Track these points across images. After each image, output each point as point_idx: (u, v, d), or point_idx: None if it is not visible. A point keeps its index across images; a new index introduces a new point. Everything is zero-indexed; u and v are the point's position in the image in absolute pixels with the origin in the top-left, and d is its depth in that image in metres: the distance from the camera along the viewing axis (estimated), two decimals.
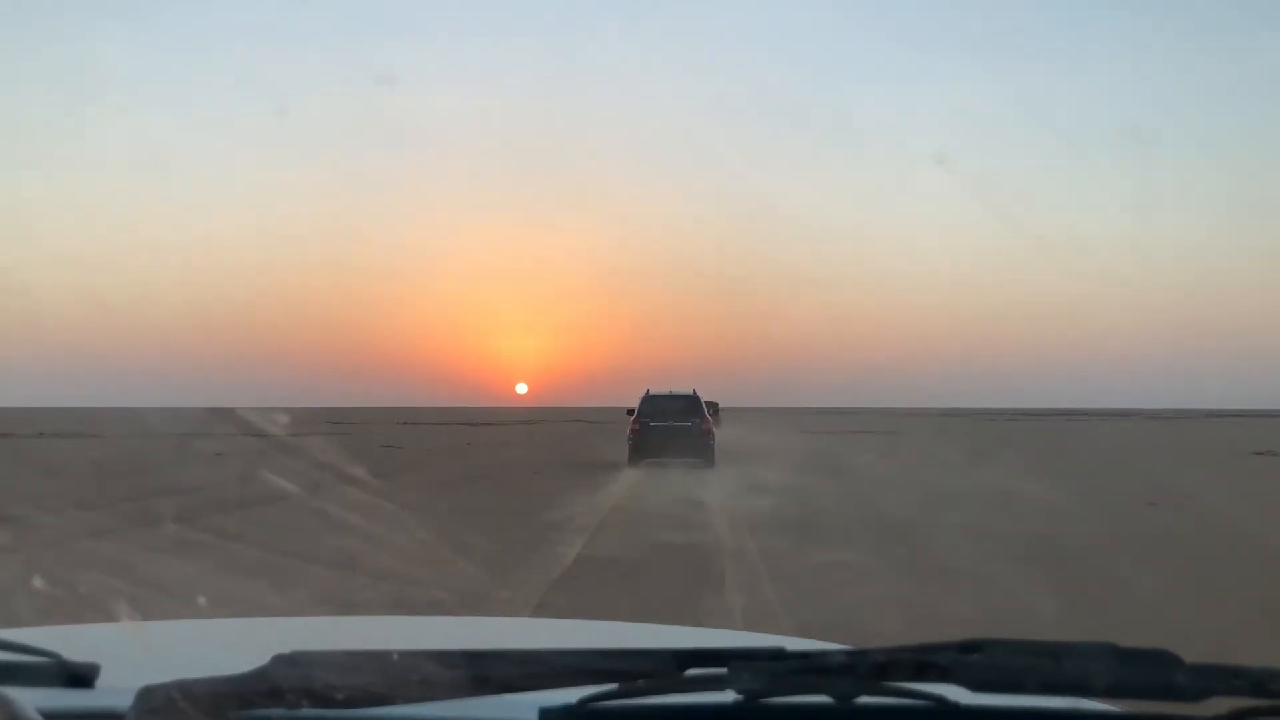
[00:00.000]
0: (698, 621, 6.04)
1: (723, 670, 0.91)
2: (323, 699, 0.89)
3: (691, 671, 0.92)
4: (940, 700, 0.95)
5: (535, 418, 78.06)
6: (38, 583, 6.61)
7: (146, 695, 0.90)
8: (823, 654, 0.93)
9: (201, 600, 5.90)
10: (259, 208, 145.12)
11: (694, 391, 23.33)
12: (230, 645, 1.56)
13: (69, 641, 1.35)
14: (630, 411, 22.79)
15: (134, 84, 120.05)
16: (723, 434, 34.15)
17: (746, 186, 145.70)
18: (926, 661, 0.89)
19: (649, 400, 22.76)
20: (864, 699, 0.93)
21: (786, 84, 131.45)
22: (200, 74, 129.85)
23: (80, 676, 1.07)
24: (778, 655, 0.92)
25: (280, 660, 0.91)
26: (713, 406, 30.90)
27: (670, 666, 0.92)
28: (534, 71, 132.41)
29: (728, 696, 0.93)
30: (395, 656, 0.92)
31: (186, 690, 0.90)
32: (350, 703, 0.90)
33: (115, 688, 1.02)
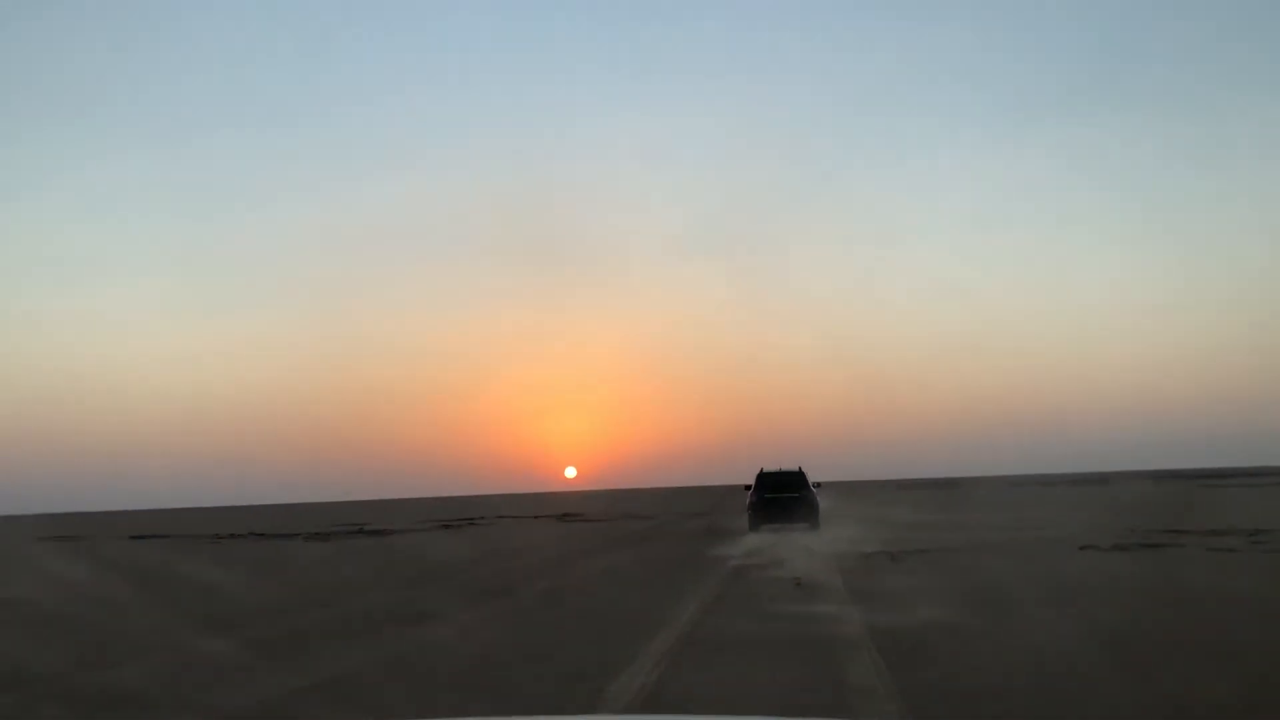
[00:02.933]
0: None
1: None
2: None
3: None
4: None
5: (532, 510, 60.96)
6: None
7: None
8: None
9: None
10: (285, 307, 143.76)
11: (799, 468, 27.16)
12: None
13: None
14: (748, 487, 26.84)
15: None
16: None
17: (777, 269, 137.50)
18: None
19: (763, 477, 26.75)
20: None
21: (862, 144, 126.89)
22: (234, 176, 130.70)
23: None
24: None
25: None
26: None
27: None
28: (577, 145, 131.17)
29: None
30: None
31: None
32: None
33: None
